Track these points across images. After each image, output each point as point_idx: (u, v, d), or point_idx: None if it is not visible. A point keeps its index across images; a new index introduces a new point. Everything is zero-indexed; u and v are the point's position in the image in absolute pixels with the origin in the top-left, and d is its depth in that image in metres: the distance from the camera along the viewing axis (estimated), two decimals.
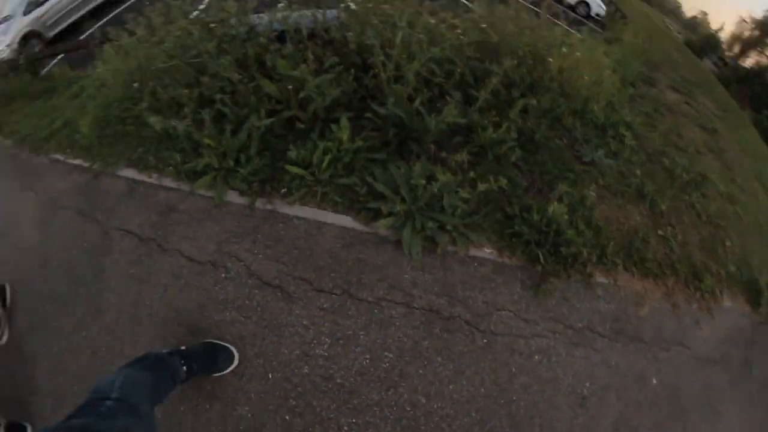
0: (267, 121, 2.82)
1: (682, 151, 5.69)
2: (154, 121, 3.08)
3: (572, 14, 16.79)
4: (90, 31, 10.70)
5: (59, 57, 8.66)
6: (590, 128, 4.63)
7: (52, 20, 11.06)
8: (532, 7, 5.98)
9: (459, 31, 3.65)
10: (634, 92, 7.27)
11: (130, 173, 3.51)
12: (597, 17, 17.18)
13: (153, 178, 3.32)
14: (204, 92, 3.03)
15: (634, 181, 4.30)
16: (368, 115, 3.00)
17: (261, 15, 3.55)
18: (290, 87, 2.77)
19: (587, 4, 17.32)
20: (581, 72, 4.59)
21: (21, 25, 10.40)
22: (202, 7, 4.54)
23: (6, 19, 10.75)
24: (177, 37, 3.14)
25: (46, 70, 7.97)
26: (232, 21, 3.32)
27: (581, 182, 3.84)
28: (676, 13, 60.31)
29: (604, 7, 17.94)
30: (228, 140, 2.84)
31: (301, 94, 2.82)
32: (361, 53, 3.20)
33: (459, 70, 3.37)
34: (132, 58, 4.00)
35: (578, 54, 4.64)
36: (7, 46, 10.15)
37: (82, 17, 11.62)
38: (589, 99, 4.72)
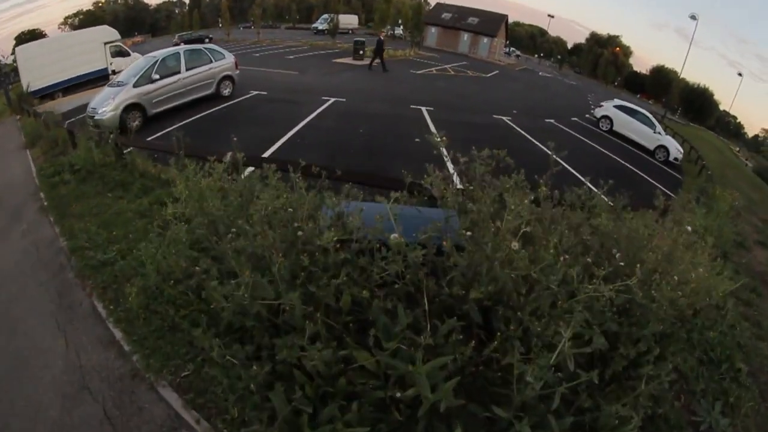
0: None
1: None
2: (217, 370, 2.32)
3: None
4: (185, 122, 10.98)
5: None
6: (707, 367, 3.89)
7: (157, 99, 11.37)
8: None
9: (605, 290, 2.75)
10: (732, 268, 6.25)
11: (173, 398, 2.70)
12: (675, 161, 16.16)
13: (200, 426, 2.52)
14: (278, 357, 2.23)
15: None
16: (486, 413, 2.10)
17: (357, 205, 2.81)
18: (396, 385, 1.93)
19: (666, 150, 16.32)
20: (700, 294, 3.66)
21: (128, 95, 10.76)
22: (244, 175, 3.97)
23: (119, 84, 11.17)
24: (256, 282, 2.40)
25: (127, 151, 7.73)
26: (324, 232, 2.56)
27: None
28: (738, 135, 58.12)
29: (681, 150, 16.96)
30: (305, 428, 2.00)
31: (410, 392, 1.98)
32: (483, 301, 2.38)
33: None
34: (204, 212, 3.39)
35: (701, 270, 3.69)
36: (112, 111, 10.45)
37: (183, 105, 12.08)
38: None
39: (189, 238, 3.37)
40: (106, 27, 23.07)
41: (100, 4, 62.84)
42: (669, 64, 56.89)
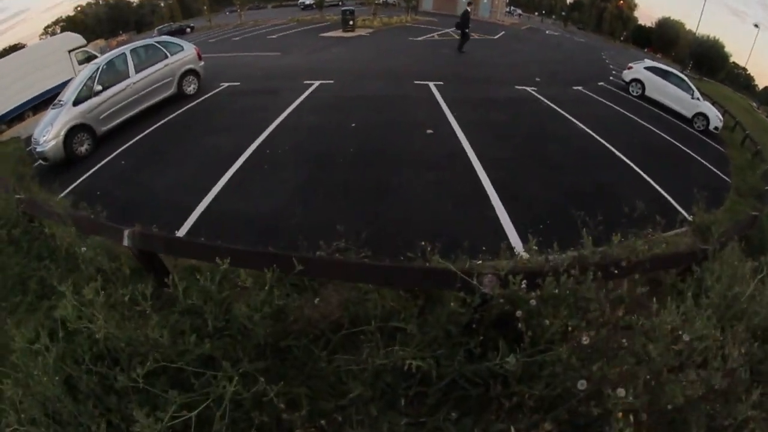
0: None
1: None
2: None
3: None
4: (138, 137, 8.86)
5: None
6: None
7: (105, 114, 9.07)
8: None
9: None
10: None
11: None
12: (715, 130, 13.68)
13: None
14: None
15: None
16: None
17: None
18: None
19: (706, 117, 13.78)
20: None
21: (69, 116, 8.47)
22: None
23: (61, 104, 8.87)
24: None
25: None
26: None
27: None
28: (749, 87, 53.81)
29: (721, 118, 14.34)
30: None
31: None
32: None
33: None
34: None
35: None
36: (53, 139, 8.22)
37: (140, 113, 9.88)
38: None
39: None
40: (68, 33, 20.45)
41: (79, 8, 59.47)
42: (674, 16, 52.56)
